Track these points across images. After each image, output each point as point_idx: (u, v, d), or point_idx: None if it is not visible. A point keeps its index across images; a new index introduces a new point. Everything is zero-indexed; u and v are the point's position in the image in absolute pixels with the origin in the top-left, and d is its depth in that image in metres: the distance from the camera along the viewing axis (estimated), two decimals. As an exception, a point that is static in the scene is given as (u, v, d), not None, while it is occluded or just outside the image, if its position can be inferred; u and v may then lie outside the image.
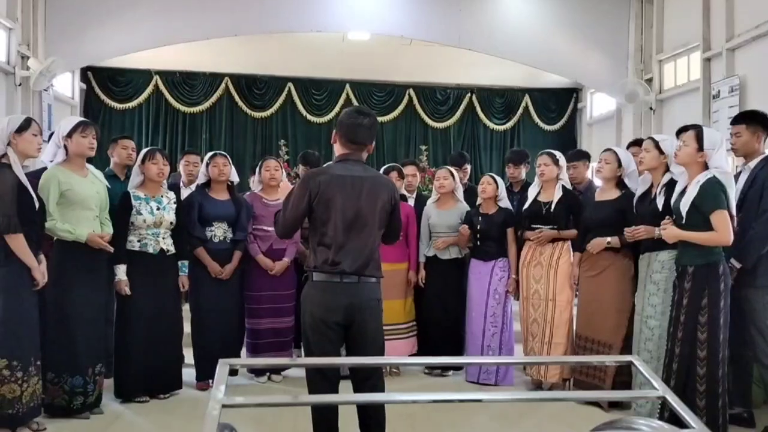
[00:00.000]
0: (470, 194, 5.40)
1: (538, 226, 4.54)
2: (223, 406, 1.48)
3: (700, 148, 3.41)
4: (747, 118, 3.96)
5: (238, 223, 4.56)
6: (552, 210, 4.49)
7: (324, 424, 2.95)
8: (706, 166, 3.42)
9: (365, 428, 2.99)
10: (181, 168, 5.45)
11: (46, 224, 3.68)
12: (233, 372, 4.58)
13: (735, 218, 3.45)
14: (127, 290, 4.07)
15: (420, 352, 4.97)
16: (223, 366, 1.68)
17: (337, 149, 3.10)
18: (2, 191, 3.39)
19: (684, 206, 3.40)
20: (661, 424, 1.64)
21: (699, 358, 3.35)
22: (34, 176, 3.85)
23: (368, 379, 2.99)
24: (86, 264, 3.83)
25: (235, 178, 4.68)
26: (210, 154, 4.72)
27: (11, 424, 3.46)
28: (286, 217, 3.03)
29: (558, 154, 4.63)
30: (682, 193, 3.49)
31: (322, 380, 2.96)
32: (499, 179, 4.93)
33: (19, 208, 3.42)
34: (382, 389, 3.06)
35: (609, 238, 4.14)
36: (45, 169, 3.92)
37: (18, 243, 3.42)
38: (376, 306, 3.02)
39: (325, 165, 3.33)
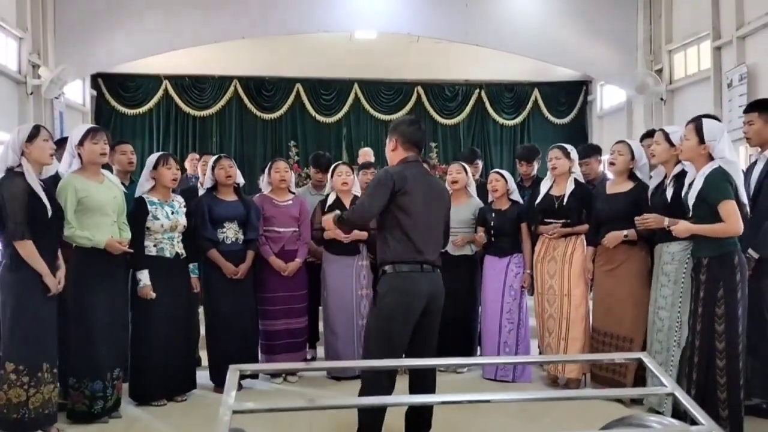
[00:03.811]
0: (483, 190, 5.38)
1: (551, 220, 4.50)
2: (234, 412, 1.49)
3: (701, 140, 3.39)
4: (759, 106, 3.91)
5: (249, 222, 4.56)
6: (564, 203, 4.46)
7: (372, 423, 3.10)
8: (711, 158, 3.40)
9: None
10: (199, 169, 5.47)
11: (64, 232, 3.70)
12: (253, 375, 4.60)
13: (745, 206, 3.41)
14: (152, 294, 4.09)
15: None
16: (233, 372, 1.69)
17: (397, 155, 3.35)
18: (11, 198, 3.42)
19: (691, 199, 3.39)
20: (672, 420, 1.63)
21: (718, 350, 3.32)
22: (48, 183, 3.85)
23: (424, 379, 3.26)
24: (105, 270, 3.86)
25: (240, 179, 4.69)
26: (215, 157, 4.73)
27: (17, 429, 3.46)
28: (369, 207, 3.20)
29: (569, 147, 4.60)
30: (691, 185, 3.47)
31: (379, 377, 3.11)
32: (506, 174, 4.91)
33: (31, 215, 3.46)
34: (433, 389, 3.28)
35: (626, 231, 4.07)
36: (56, 176, 3.91)
37: (27, 250, 3.45)
38: (442, 295, 3.33)
39: (396, 167, 3.33)
